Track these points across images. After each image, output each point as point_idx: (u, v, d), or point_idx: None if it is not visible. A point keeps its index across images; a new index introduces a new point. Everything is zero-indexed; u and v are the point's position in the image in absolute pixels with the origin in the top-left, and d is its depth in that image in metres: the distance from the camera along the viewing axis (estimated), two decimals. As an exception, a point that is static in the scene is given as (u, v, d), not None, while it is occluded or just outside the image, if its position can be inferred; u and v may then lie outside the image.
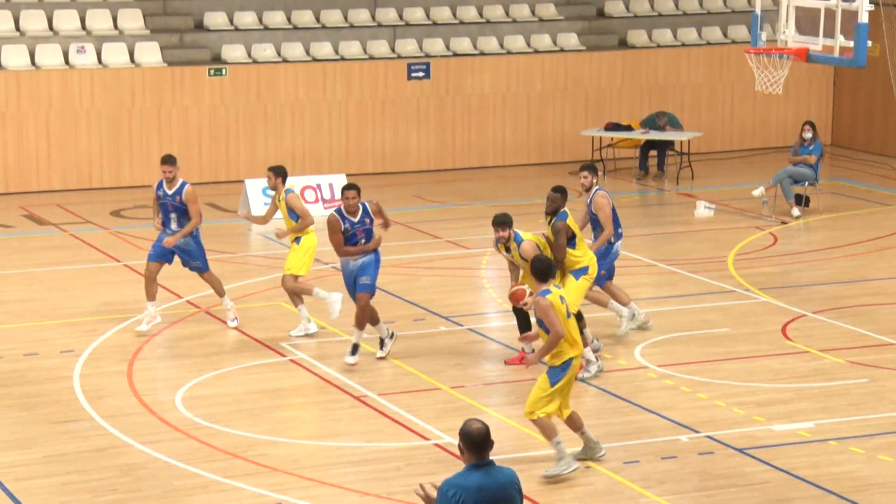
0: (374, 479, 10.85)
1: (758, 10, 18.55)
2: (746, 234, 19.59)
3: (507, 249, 13.09)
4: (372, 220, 13.52)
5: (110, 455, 11.31)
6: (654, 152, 24.33)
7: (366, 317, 13.45)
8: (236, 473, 10.91)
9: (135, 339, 14.48)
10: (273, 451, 11.38)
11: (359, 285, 13.45)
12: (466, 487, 6.81)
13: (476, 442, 6.86)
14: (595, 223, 14.18)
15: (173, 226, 14.49)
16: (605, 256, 14.12)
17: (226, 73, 23.41)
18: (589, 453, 11.11)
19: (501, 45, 25.48)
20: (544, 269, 10.72)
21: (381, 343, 13.79)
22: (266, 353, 14.04)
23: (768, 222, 20.42)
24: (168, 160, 14.56)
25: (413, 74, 24.48)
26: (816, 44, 16.87)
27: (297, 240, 14.69)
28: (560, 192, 13.24)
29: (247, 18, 24.49)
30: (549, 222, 13.26)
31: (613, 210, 14.14)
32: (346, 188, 13.47)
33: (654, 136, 23.98)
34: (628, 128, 24.41)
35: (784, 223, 20.34)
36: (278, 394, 12.88)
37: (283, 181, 14.76)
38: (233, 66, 23.57)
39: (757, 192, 20.96)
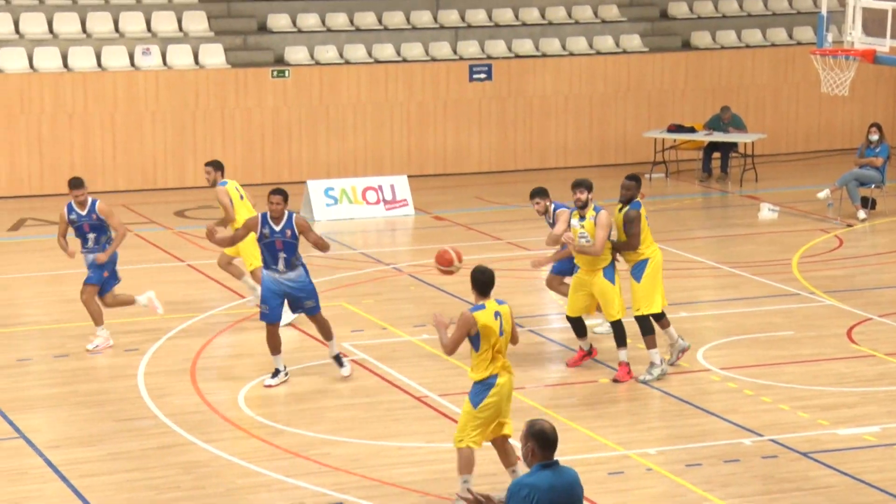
0: (435, 479, 10.84)
1: (824, 12, 18.36)
2: (811, 237, 19.40)
3: (582, 217, 12.97)
4: (294, 234, 12.62)
5: (174, 453, 11.39)
6: (717, 154, 24.16)
7: (329, 327, 12.99)
8: (298, 472, 10.95)
9: (198, 338, 14.58)
10: (334, 451, 11.41)
11: (308, 310, 12.86)
12: (539, 487, 6.82)
13: (551, 441, 6.89)
14: None
15: (90, 244, 14.09)
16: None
17: (289, 75, 23.55)
18: None
19: (564, 47, 25.41)
20: (485, 281, 9.91)
21: (276, 372, 13.01)
22: (327, 353, 14.06)
23: (833, 225, 20.20)
24: (78, 184, 14.04)
25: (475, 76, 24.48)
26: (883, 45, 16.67)
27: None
28: (634, 179, 13.17)
29: (309, 20, 24.61)
30: (620, 209, 13.20)
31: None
32: (273, 192, 12.68)
33: (718, 137, 23.81)
34: (691, 129, 24.26)
35: (850, 226, 20.11)
36: (339, 393, 12.91)
37: (222, 175, 15.19)
38: (295, 67, 23.70)
39: (822, 195, 20.75)
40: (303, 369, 13.59)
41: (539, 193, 14.14)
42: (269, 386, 12.96)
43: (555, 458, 6.97)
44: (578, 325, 13.32)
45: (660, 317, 13.34)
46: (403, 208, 21.40)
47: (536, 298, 16.54)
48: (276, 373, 13.06)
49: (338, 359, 13.18)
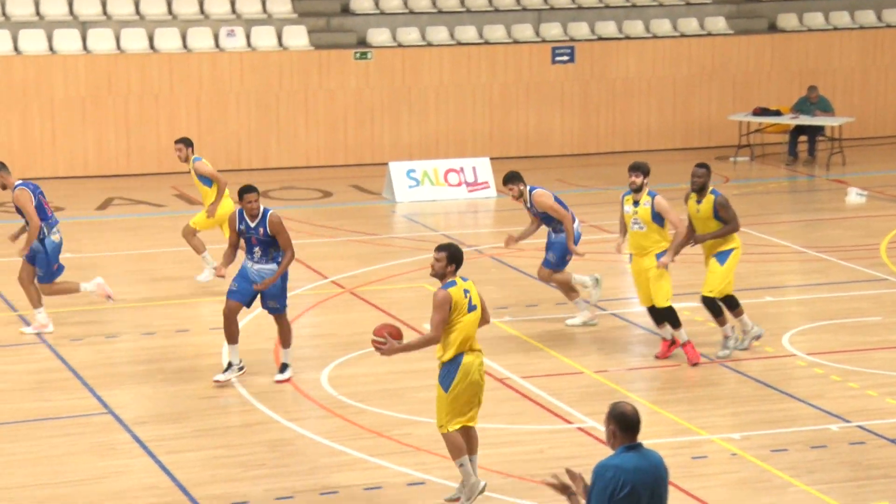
0: (517, 461, 10.84)
1: (915, -8, 18.01)
2: (900, 222, 19.10)
3: (636, 202, 12.88)
4: (267, 232, 12.28)
5: (258, 431, 11.49)
6: (803, 137, 23.84)
7: (289, 335, 12.59)
8: (381, 452, 11.00)
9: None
10: (416, 431, 11.45)
11: (271, 309, 12.50)
12: (624, 469, 6.79)
13: (632, 423, 6.86)
14: (548, 220, 14.04)
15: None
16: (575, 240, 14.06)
17: (371, 57, 23.60)
18: (467, 487, 9.83)
19: (647, 29, 25.20)
20: (461, 258, 9.65)
21: (229, 366, 12.65)
22: (409, 334, 14.10)
23: (923, 210, 19.88)
24: None
25: (557, 58, 24.37)
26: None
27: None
28: (705, 167, 13.06)
29: (392, 2, 24.64)
30: (697, 200, 13.07)
31: (556, 198, 14.08)
32: (245, 191, 12.32)
33: (804, 121, 23.49)
34: (777, 113, 23.96)
35: (939, 211, 19.78)
36: (421, 374, 12.94)
37: (193, 151, 15.76)
38: (378, 49, 23.75)
39: (911, 179, 20.42)
40: (385, 350, 13.63)
41: (511, 179, 14.00)
42: (218, 382, 12.43)
43: (638, 440, 6.94)
44: (656, 314, 13.20)
45: (734, 305, 13.22)
46: (485, 190, 21.38)
47: (620, 281, 16.45)
48: (228, 366, 12.59)
49: (283, 366, 12.68)
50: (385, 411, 11.92)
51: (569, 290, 14.31)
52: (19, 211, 13.88)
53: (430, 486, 10.33)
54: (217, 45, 23.39)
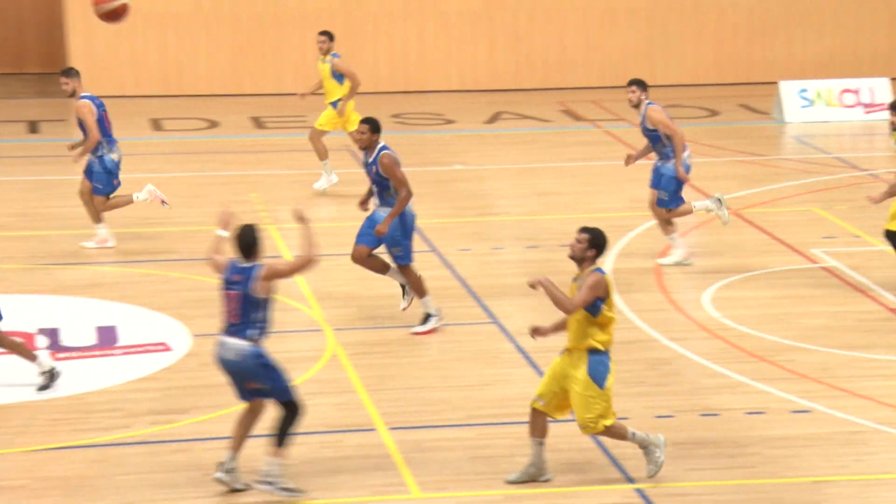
0: (909, 396, 10.39)
1: None
2: None
3: None
4: (378, 171, 11.34)
5: (638, 349, 11.51)
6: None
7: (421, 283, 11.68)
8: (764, 377, 10.78)
9: (662, 237, 14.59)
10: (802, 358, 11.15)
11: (395, 257, 11.65)
12: None
13: None
14: (655, 139, 13.19)
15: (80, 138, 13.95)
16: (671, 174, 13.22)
17: (767, -30, 22.89)
18: (532, 472, 9.08)
19: None
20: (604, 245, 8.90)
21: (403, 290, 11.95)
22: (795, 259, 13.73)
23: None
24: (64, 72, 13.78)
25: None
26: None
27: (334, 104, 15.92)
28: None
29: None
30: None
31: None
32: (360, 121, 11.56)
33: None
34: None
35: None
36: (808, 300, 12.58)
37: (334, 45, 16.05)
38: (774, -38, 22.98)
39: None
40: (769, 274, 13.32)
41: (636, 83, 13.30)
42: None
43: None
44: None
45: None
46: (884, 112, 20.39)
47: None
48: (403, 290, 11.97)
49: (426, 316, 11.85)
50: (769, 336, 11.67)
51: (665, 224, 13.55)
52: (80, 123, 13.88)
53: (816, 415, 10.05)
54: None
